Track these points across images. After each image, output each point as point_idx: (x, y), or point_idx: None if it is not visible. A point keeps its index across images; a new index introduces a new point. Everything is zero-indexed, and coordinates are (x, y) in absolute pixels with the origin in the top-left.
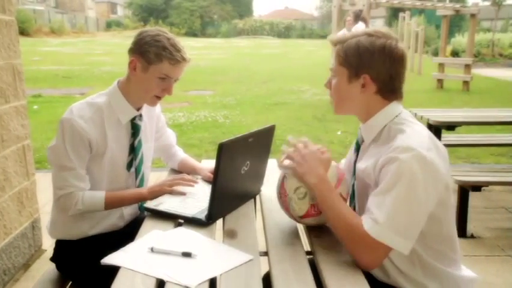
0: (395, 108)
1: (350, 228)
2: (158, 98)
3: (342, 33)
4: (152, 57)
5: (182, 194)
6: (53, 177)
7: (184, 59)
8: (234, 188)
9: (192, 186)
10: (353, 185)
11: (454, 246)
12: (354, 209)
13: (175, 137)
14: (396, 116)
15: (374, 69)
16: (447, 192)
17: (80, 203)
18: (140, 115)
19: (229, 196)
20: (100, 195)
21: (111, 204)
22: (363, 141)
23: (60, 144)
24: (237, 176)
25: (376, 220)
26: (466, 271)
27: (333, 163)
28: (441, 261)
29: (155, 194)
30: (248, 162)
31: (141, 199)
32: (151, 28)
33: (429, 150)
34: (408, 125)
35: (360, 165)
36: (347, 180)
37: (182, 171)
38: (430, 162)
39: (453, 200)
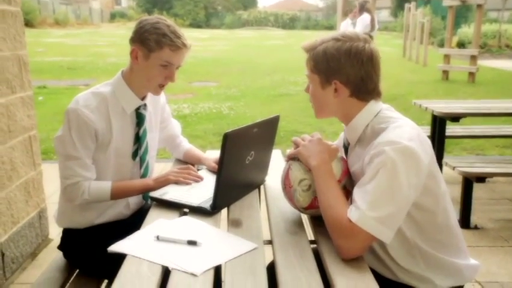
0: (373, 107)
1: (335, 216)
2: (162, 86)
3: (345, 24)
4: (152, 45)
5: (188, 183)
6: (60, 167)
7: (184, 45)
8: (238, 178)
9: (198, 181)
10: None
11: (453, 235)
12: None
13: (180, 127)
14: (376, 115)
15: (343, 74)
16: (432, 180)
17: (87, 193)
18: (145, 104)
19: (233, 186)
20: (106, 186)
21: (117, 194)
22: (349, 143)
23: (66, 134)
24: (241, 166)
25: (358, 207)
26: (469, 259)
27: (340, 155)
28: (442, 251)
29: (161, 184)
30: (253, 152)
31: (147, 189)
32: (150, 16)
33: (411, 140)
34: (390, 122)
35: (351, 165)
36: None
37: (187, 161)
38: (411, 151)
39: (444, 188)
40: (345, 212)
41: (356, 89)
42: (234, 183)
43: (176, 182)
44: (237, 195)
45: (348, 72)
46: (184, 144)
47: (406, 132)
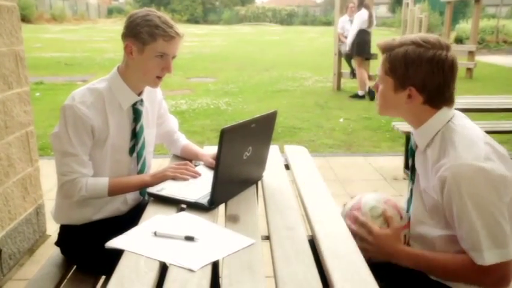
0: (446, 113)
1: (461, 268)
2: (159, 78)
3: (343, 20)
4: (146, 38)
5: (185, 179)
6: (57, 164)
7: (177, 34)
8: (236, 174)
9: (195, 177)
10: (411, 190)
11: None
12: (408, 210)
13: (177, 123)
14: (448, 122)
15: (421, 82)
16: None
17: (84, 190)
18: (142, 100)
19: (231, 181)
20: (103, 182)
21: (114, 190)
22: (416, 146)
23: (63, 130)
24: (239, 161)
25: (478, 250)
26: None
27: (395, 215)
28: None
29: (159, 180)
30: (250, 148)
31: (144, 185)
32: (140, 10)
33: (487, 159)
34: (461, 134)
35: (420, 170)
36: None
37: (184, 157)
38: (491, 172)
39: None
40: (464, 259)
41: (430, 96)
42: (232, 179)
43: (174, 178)
44: (234, 191)
45: (426, 81)
46: (182, 140)
47: (480, 151)
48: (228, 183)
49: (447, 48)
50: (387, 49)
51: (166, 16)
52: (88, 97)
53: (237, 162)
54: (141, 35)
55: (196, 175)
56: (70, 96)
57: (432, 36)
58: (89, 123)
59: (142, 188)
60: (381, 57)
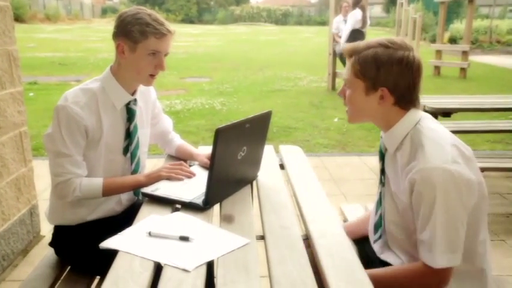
0: (414, 115)
1: (410, 274)
2: (153, 76)
3: (337, 19)
4: (137, 36)
5: (180, 179)
6: (50, 165)
7: (169, 31)
8: (230, 174)
9: (190, 177)
10: (380, 193)
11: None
12: (381, 217)
13: (171, 123)
14: (416, 124)
15: (392, 82)
16: (482, 194)
17: (78, 190)
18: (135, 99)
19: (226, 181)
20: (97, 182)
21: (109, 191)
22: (386, 149)
23: (56, 131)
24: (233, 161)
25: (431, 251)
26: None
27: None
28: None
29: (153, 180)
30: (245, 147)
31: (139, 186)
32: (129, 8)
33: (454, 162)
34: (429, 137)
35: (390, 173)
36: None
37: (179, 157)
38: (458, 176)
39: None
40: (416, 267)
41: (401, 97)
42: (226, 179)
43: (169, 178)
44: (229, 190)
45: (397, 81)
46: (176, 140)
47: (448, 153)
48: (223, 183)
49: (412, 49)
50: (355, 52)
51: (156, 13)
52: (81, 97)
53: (231, 162)
54: (132, 33)
55: (190, 175)
56: (63, 97)
57: (397, 38)
58: (82, 124)
59: (136, 188)
60: (347, 62)
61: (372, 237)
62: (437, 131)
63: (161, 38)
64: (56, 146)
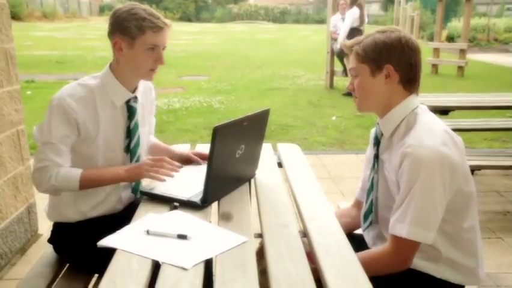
0: (413, 101)
1: (377, 257)
2: (153, 70)
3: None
4: (134, 31)
5: (162, 180)
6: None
7: (165, 24)
8: (228, 172)
9: (176, 171)
10: (372, 178)
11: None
12: (372, 203)
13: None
14: (413, 110)
15: (395, 59)
16: (464, 182)
17: (54, 178)
18: (136, 97)
19: (224, 179)
20: (75, 173)
21: (86, 184)
22: (382, 134)
23: (46, 121)
24: (231, 159)
25: (402, 221)
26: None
27: None
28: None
29: (133, 175)
30: (243, 146)
31: (119, 180)
32: (123, 5)
33: (444, 144)
34: (423, 121)
35: (385, 157)
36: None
37: (154, 154)
38: (445, 157)
39: (472, 189)
40: (375, 251)
41: (405, 74)
42: (224, 177)
43: (152, 178)
44: (227, 189)
45: (399, 58)
46: (151, 138)
47: (438, 137)
48: (221, 181)
49: (409, 33)
50: (355, 43)
51: (151, 8)
52: (78, 91)
53: (229, 160)
54: (129, 29)
55: (174, 169)
56: (60, 90)
57: (393, 27)
58: (73, 116)
59: (116, 182)
60: (350, 56)
61: (362, 226)
62: (431, 118)
63: (158, 31)
64: (42, 135)
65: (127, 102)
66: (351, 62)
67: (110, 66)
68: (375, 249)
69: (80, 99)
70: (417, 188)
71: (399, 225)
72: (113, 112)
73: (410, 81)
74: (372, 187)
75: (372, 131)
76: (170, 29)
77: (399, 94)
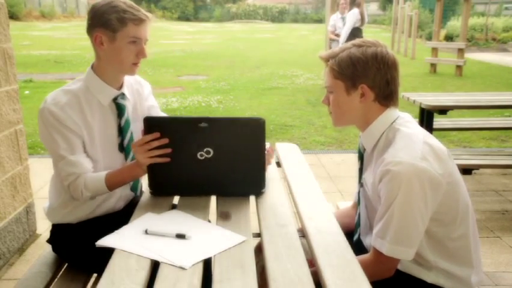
0: (391, 114)
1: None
2: (135, 64)
3: (334, 17)
4: (116, 24)
5: (166, 160)
6: (54, 167)
7: (147, 17)
8: (183, 169)
9: (161, 145)
10: (359, 193)
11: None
12: (359, 216)
13: None
14: (393, 122)
15: (370, 78)
16: (451, 191)
17: (85, 190)
18: (123, 94)
19: (178, 175)
20: (100, 178)
21: (113, 185)
22: (364, 149)
23: (44, 133)
24: (189, 157)
25: (383, 238)
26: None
27: None
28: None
29: (144, 165)
30: (209, 149)
31: (139, 175)
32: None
33: (423, 159)
34: (401, 134)
35: (367, 175)
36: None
37: None
38: (424, 172)
39: (464, 198)
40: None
41: (380, 92)
42: (179, 173)
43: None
44: (187, 189)
45: (374, 76)
46: None
47: (417, 150)
48: (171, 174)
49: (385, 46)
50: (331, 56)
51: (130, 1)
52: (61, 98)
53: (185, 158)
54: (110, 22)
55: (163, 141)
56: (44, 100)
57: (369, 40)
58: (63, 124)
59: (137, 178)
60: (324, 69)
61: (355, 235)
62: (411, 129)
63: (139, 24)
64: (52, 149)
65: (115, 100)
66: (325, 77)
67: (92, 66)
68: (359, 257)
69: (65, 105)
70: (396, 203)
71: (380, 241)
72: (102, 112)
73: (386, 97)
74: (359, 201)
75: (360, 143)
76: (151, 23)
77: (374, 110)
